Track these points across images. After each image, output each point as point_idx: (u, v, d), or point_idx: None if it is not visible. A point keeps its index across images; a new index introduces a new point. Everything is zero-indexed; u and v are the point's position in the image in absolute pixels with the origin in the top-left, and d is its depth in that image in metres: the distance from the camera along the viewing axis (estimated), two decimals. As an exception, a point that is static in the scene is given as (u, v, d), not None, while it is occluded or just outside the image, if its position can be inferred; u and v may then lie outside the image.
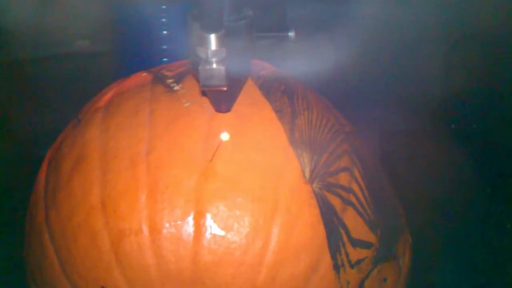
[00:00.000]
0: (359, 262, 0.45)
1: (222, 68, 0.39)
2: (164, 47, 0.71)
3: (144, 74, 0.52)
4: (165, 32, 0.71)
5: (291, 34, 0.49)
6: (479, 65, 0.72)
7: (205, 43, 0.39)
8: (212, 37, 0.38)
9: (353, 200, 0.46)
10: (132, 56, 0.72)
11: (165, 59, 0.71)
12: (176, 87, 0.49)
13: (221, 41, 0.38)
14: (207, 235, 0.42)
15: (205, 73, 0.40)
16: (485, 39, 0.71)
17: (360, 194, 0.47)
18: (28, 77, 0.80)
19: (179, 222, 0.42)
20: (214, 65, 0.39)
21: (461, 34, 0.73)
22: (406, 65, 0.73)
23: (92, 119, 0.49)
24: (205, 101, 0.47)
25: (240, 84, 0.47)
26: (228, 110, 0.46)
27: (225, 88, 0.40)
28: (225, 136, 0.44)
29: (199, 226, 0.42)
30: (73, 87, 0.77)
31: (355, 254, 0.45)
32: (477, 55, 0.72)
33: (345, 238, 0.44)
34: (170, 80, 0.50)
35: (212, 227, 0.42)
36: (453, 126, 0.78)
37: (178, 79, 0.50)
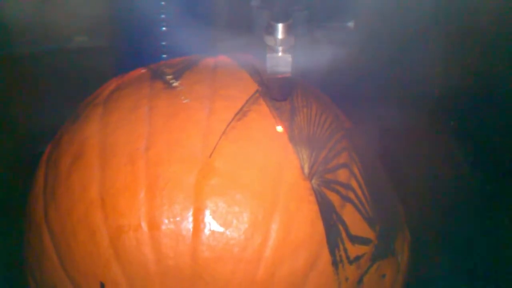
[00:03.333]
0: (357, 258, 0.45)
1: (289, 55, 0.41)
2: (163, 43, 0.71)
3: (143, 70, 0.52)
4: (164, 28, 0.71)
5: (351, 24, 0.50)
6: (478, 62, 0.72)
7: (273, 31, 0.40)
8: (280, 26, 0.40)
9: (352, 196, 0.46)
10: (131, 52, 0.72)
11: (164, 56, 0.71)
12: (175, 83, 0.49)
13: (289, 30, 0.40)
14: (206, 231, 0.42)
15: (272, 60, 0.42)
16: (484, 36, 0.71)
17: (359, 191, 0.47)
18: (26, 72, 0.80)
19: (178, 218, 0.42)
20: (280, 53, 0.41)
21: (460, 31, 0.73)
22: (405, 62, 0.73)
23: (91, 115, 0.49)
24: (204, 97, 0.47)
25: (297, 75, 0.49)
26: (285, 98, 0.47)
27: (289, 75, 0.42)
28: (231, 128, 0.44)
29: (198, 222, 0.42)
30: (71, 83, 0.77)
31: (354, 250, 0.45)
32: (476, 52, 0.72)
33: (343, 235, 0.45)
34: (169, 77, 0.50)
35: (211, 223, 0.42)
36: (452, 123, 0.78)
37: (177, 76, 0.50)
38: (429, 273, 0.64)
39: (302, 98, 0.49)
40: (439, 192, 0.70)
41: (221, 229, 0.42)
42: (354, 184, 0.47)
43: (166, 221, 0.42)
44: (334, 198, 0.45)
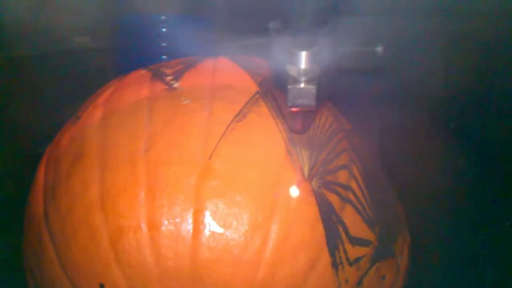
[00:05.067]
0: (357, 260, 0.45)
1: (313, 87, 0.37)
2: (163, 44, 0.71)
3: (143, 71, 0.52)
4: (164, 29, 0.71)
5: (379, 49, 0.44)
6: (478, 63, 0.72)
7: (295, 60, 0.37)
8: (304, 54, 0.36)
9: (352, 198, 0.46)
10: (131, 53, 0.72)
11: (164, 57, 0.71)
12: (175, 85, 0.49)
13: (314, 58, 0.37)
14: (206, 232, 0.42)
15: (294, 92, 0.38)
16: (484, 36, 0.71)
17: (358, 192, 0.47)
18: (27, 73, 0.80)
19: (178, 220, 0.42)
20: (303, 84, 0.37)
21: (460, 32, 0.73)
22: (404, 63, 0.73)
23: (91, 116, 0.49)
24: (204, 99, 0.47)
25: (320, 104, 0.44)
26: (305, 131, 0.44)
27: (313, 108, 0.38)
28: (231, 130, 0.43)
29: (198, 224, 0.42)
30: (72, 84, 0.77)
31: (354, 252, 0.45)
32: (476, 53, 0.72)
33: (343, 236, 0.45)
34: (169, 78, 0.50)
35: (211, 225, 0.42)
36: (452, 125, 0.78)
37: (177, 76, 0.50)
38: (428, 274, 0.64)
39: (302, 100, 0.49)
40: (439, 193, 0.70)
41: (221, 231, 0.42)
42: (354, 185, 0.47)
43: (166, 222, 0.42)
44: (334, 199, 0.45)
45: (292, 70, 0.37)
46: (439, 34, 0.74)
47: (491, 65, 0.72)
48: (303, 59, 0.36)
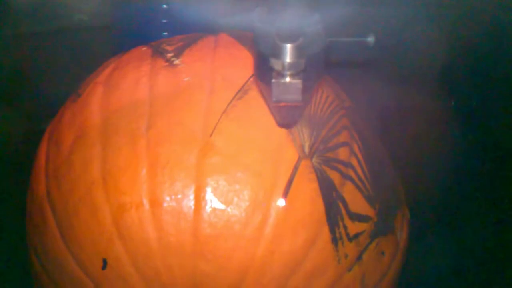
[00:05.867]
0: (357, 235, 0.46)
1: (299, 82, 0.35)
2: (164, 21, 0.70)
3: (144, 48, 0.52)
4: (165, 6, 0.71)
5: (370, 39, 0.41)
6: (479, 41, 0.71)
7: (280, 54, 0.34)
8: (289, 47, 0.34)
9: (352, 174, 0.47)
10: (131, 30, 0.72)
11: (165, 33, 0.70)
12: (176, 61, 0.49)
13: (299, 52, 0.34)
14: (207, 208, 0.42)
15: (279, 87, 0.35)
16: (486, 14, 0.70)
17: (359, 169, 0.47)
18: (27, 51, 0.79)
19: (179, 196, 0.42)
20: (288, 79, 0.35)
21: (462, 11, 0.72)
22: (406, 41, 0.72)
23: (92, 94, 0.49)
24: (205, 76, 0.47)
25: (309, 96, 0.42)
26: (294, 125, 0.43)
27: (300, 104, 0.36)
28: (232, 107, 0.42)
29: (199, 200, 0.42)
30: (72, 62, 0.77)
31: (353, 227, 0.45)
32: (479, 32, 0.71)
33: (343, 212, 0.45)
34: (170, 54, 0.50)
35: (212, 201, 0.42)
36: (452, 103, 0.78)
37: (178, 53, 0.49)
38: (428, 250, 0.64)
39: (303, 77, 0.49)
40: (439, 170, 0.71)
41: (222, 207, 0.42)
42: (354, 162, 0.47)
43: (167, 198, 0.42)
44: (334, 176, 0.45)
45: (276, 64, 0.34)
46: (441, 11, 0.74)
47: (493, 43, 0.71)
48: (288, 52, 0.34)
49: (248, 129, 0.44)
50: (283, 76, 0.35)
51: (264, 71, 0.35)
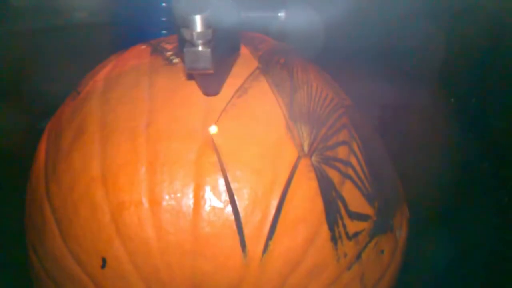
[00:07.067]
0: (356, 234, 0.46)
1: (208, 50, 0.38)
2: (163, 19, 0.70)
3: (143, 46, 0.52)
4: (164, 4, 0.71)
5: (281, 14, 0.46)
6: (479, 38, 0.71)
7: (190, 24, 0.37)
8: (197, 18, 0.37)
9: (351, 173, 0.47)
10: (131, 28, 0.72)
11: (164, 32, 0.70)
12: (175, 60, 0.49)
13: (207, 22, 0.37)
14: (207, 207, 0.42)
15: (191, 55, 0.38)
16: (485, 11, 0.70)
17: (358, 168, 0.47)
18: (26, 49, 0.79)
19: (178, 195, 0.42)
20: (200, 48, 0.38)
21: (461, 7, 0.72)
22: (406, 38, 0.72)
23: (91, 92, 0.49)
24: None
25: (229, 66, 0.46)
26: (216, 93, 0.45)
27: (211, 71, 0.39)
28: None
29: (198, 199, 0.42)
30: (71, 59, 0.77)
31: (353, 226, 0.45)
32: (477, 28, 0.71)
33: (342, 211, 0.45)
34: (169, 53, 0.50)
35: (211, 200, 0.42)
36: (452, 100, 0.78)
37: (177, 52, 0.49)
38: (427, 248, 0.64)
39: (302, 75, 0.49)
40: (438, 168, 0.71)
41: (221, 205, 0.42)
42: (353, 161, 0.47)
43: (167, 197, 0.42)
44: (333, 175, 0.45)
45: (187, 34, 0.37)
46: (441, 8, 0.74)
47: (493, 40, 0.71)
48: (196, 23, 0.37)
49: (247, 127, 0.44)
50: (194, 45, 0.37)
51: (182, 42, 0.39)
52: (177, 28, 0.39)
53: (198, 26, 0.37)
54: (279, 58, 0.49)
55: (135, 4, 0.72)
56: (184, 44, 0.38)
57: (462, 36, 0.73)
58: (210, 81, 0.44)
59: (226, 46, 0.41)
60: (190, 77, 0.45)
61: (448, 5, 0.73)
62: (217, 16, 0.38)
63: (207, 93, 0.45)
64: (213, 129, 0.43)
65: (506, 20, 0.68)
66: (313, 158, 0.45)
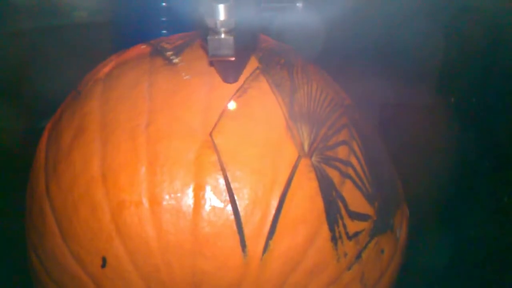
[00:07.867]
0: (356, 234, 0.46)
1: (231, 38, 0.39)
2: (163, 19, 0.71)
3: (143, 46, 0.52)
4: (164, 4, 0.71)
5: (299, 4, 0.49)
6: (479, 38, 0.71)
7: (214, 13, 0.39)
8: (221, 7, 0.38)
9: (352, 173, 0.47)
10: (131, 28, 0.72)
11: (164, 31, 0.70)
12: (176, 60, 0.49)
13: (230, 11, 0.39)
14: (207, 207, 0.42)
15: (214, 43, 0.40)
16: (485, 11, 0.70)
17: (358, 168, 0.47)
18: (26, 48, 0.79)
19: (178, 194, 0.42)
20: (223, 35, 0.39)
21: (460, 6, 0.72)
22: (406, 37, 0.72)
23: (91, 91, 0.49)
24: (205, 74, 0.47)
25: (248, 55, 0.47)
26: (235, 80, 0.46)
27: (233, 58, 0.40)
28: (231, 105, 0.44)
29: (198, 198, 0.42)
30: (72, 59, 0.77)
31: (353, 226, 0.45)
32: (477, 28, 0.71)
33: (343, 211, 0.45)
34: (170, 53, 0.50)
35: (211, 199, 0.42)
36: (452, 99, 0.78)
37: (177, 52, 0.49)
38: (427, 248, 0.64)
39: (302, 75, 0.49)
40: (439, 168, 0.71)
41: (221, 205, 0.42)
42: (353, 161, 0.47)
43: (167, 197, 0.42)
44: (333, 174, 0.45)
45: (210, 22, 0.39)
46: (441, 8, 0.74)
47: (492, 39, 0.71)
48: (220, 12, 0.39)
49: (247, 127, 0.44)
50: (217, 33, 0.40)
51: (205, 31, 0.40)
52: (201, 17, 0.40)
53: (222, 15, 0.39)
54: (279, 58, 0.50)
55: (135, 4, 0.72)
56: (207, 32, 0.40)
57: (462, 35, 0.73)
58: (230, 69, 0.45)
59: (246, 35, 0.42)
60: (211, 63, 0.47)
61: (448, 5, 0.73)
62: (239, 6, 0.40)
63: (227, 81, 0.46)
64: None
65: (506, 20, 0.68)
66: (313, 158, 0.45)
